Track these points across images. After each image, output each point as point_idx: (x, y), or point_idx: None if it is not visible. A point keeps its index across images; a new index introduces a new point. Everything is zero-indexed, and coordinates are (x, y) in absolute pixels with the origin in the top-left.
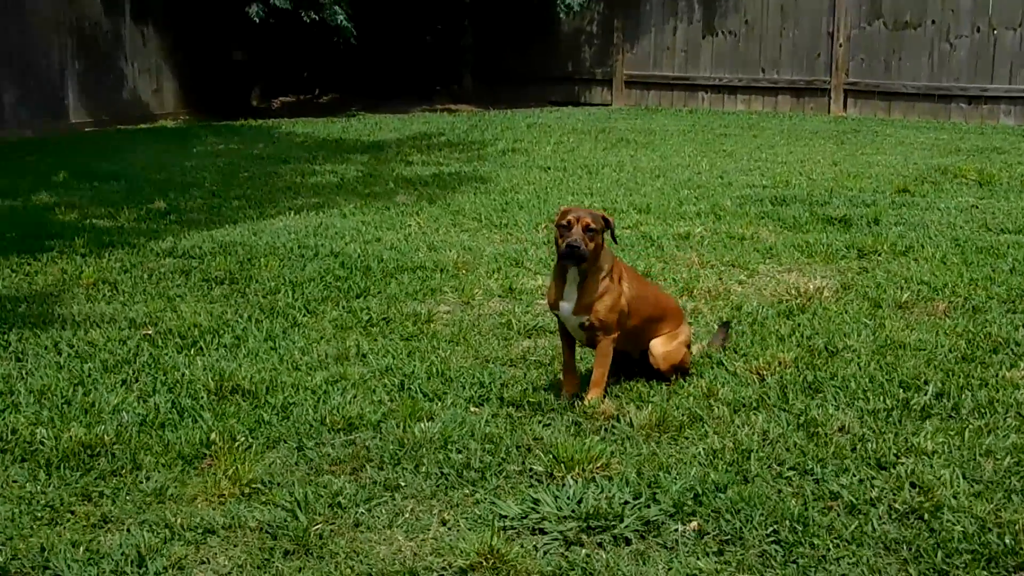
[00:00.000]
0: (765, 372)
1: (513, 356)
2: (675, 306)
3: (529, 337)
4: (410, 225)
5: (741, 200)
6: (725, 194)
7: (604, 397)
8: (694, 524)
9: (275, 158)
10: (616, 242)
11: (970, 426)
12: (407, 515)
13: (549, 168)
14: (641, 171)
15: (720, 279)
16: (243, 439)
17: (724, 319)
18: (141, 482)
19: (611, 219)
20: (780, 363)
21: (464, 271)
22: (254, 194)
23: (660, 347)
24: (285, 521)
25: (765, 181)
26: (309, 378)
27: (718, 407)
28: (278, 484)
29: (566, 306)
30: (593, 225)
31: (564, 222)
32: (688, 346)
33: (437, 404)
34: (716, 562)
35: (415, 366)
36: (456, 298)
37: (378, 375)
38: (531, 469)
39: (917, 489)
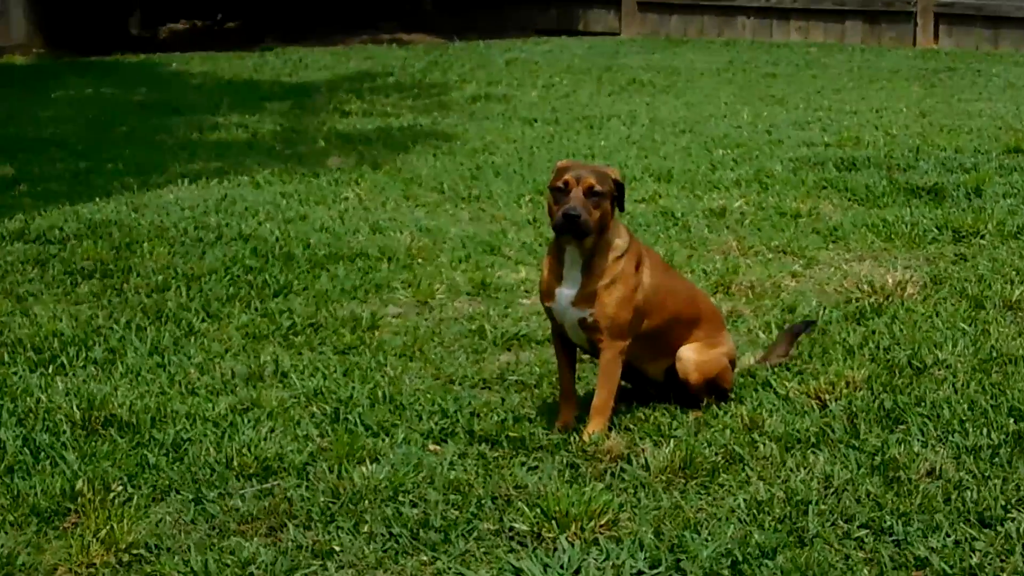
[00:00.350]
0: (828, 396)
1: (487, 375)
2: (713, 308)
3: (508, 349)
4: (347, 198)
5: (795, 163)
6: (774, 155)
7: (610, 429)
8: None
9: (163, 107)
10: (623, 210)
11: None
12: None
13: (535, 121)
14: (660, 124)
15: (767, 270)
16: (120, 489)
17: (806, 319)
18: None
19: (621, 178)
20: (848, 384)
21: (420, 260)
22: (135, 156)
23: (693, 354)
24: None
25: (828, 138)
26: (210, 406)
27: (764, 443)
28: (168, 549)
29: (564, 294)
30: (598, 187)
31: (560, 183)
32: (732, 362)
33: (384, 440)
34: None
35: (354, 389)
36: (410, 296)
37: (304, 401)
38: (511, 528)
39: None
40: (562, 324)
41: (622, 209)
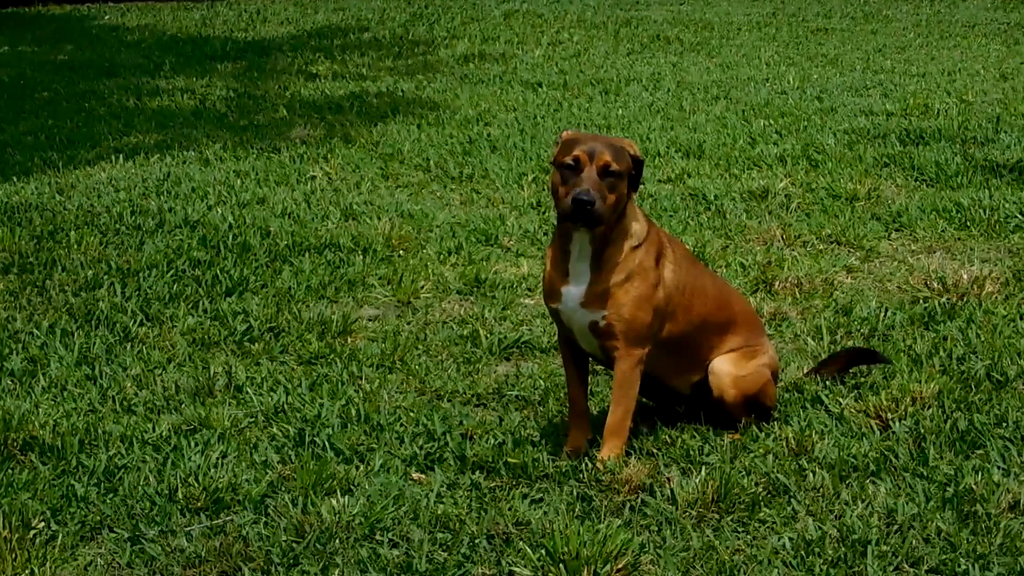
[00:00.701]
0: (890, 415)
1: (481, 390)
2: (749, 309)
3: (507, 359)
4: (314, 177)
5: (851, 136)
6: (825, 126)
7: (628, 455)
8: None
9: (93, 67)
10: (635, 190)
11: None
12: None
13: (540, 84)
14: (690, 89)
15: (817, 264)
16: (42, 525)
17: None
18: None
19: (639, 153)
20: (915, 400)
21: (402, 251)
22: (59, 127)
23: (729, 367)
24: None
25: (890, 105)
26: (149, 426)
27: (814, 472)
28: None
29: (572, 293)
30: (615, 166)
31: (569, 159)
32: (774, 375)
33: (358, 468)
34: None
35: (322, 406)
36: (389, 295)
37: (262, 421)
38: (511, 572)
39: None
40: (570, 329)
41: (634, 189)
